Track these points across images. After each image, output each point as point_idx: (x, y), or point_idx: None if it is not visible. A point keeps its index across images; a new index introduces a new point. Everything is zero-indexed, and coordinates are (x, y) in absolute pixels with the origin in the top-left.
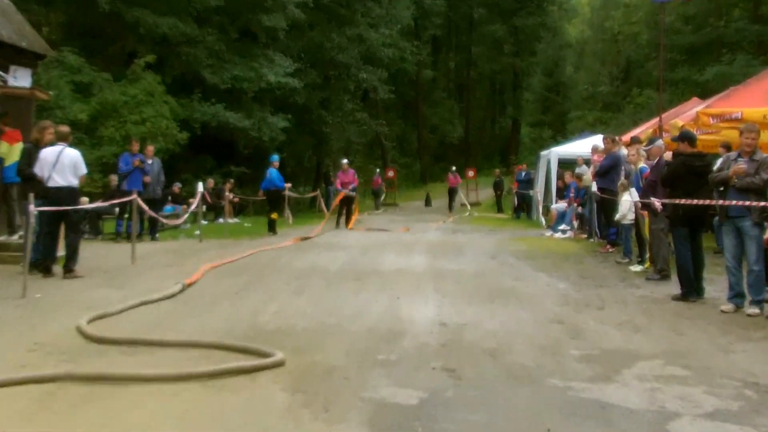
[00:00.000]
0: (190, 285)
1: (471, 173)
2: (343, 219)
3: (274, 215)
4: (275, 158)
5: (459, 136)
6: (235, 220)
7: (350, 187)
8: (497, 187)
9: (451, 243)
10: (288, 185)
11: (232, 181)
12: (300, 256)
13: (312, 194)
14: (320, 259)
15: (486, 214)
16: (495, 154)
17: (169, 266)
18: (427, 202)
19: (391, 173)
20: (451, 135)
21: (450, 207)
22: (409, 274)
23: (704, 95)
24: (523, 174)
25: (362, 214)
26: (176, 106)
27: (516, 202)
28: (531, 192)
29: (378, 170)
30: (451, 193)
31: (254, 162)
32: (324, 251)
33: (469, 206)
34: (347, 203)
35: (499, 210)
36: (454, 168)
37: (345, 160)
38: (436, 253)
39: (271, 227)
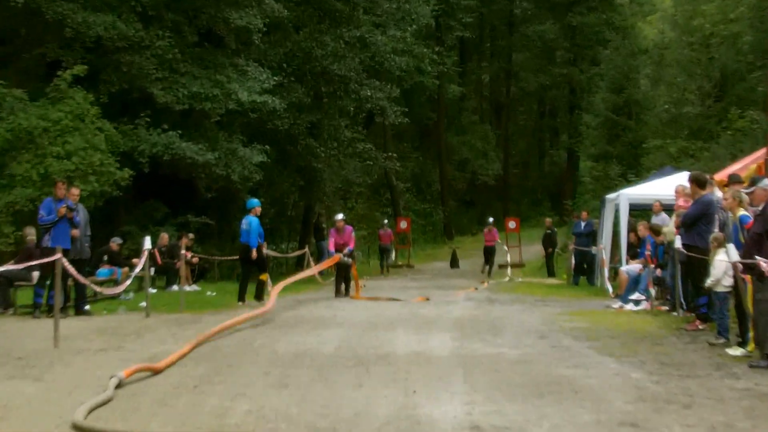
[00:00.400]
0: (131, 376)
1: (512, 225)
2: (343, 286)
3: (263, 276)
4: (255, 203)
5: (496, 173)
6: (195, 287)
7: (346, 250)
8: (548, 242)
9: (486, 318)
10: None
11: (190, 235)
12: (283, 335)
13: (298, 252)
14: (310, 339)
15: (533, 279)
16: (545, 199)
17: (103, 351)
18: (453, 263)
19: (404, 224)
20: (486, 172)
21: (487, 270)
22: (428, 359)
23: None
24: (583, 225)
25: (363, 278)
26: (114, 134)
27: (573, 263)
28: (593, 249)
29: (386, 221)
30: (488, 252)
31: (220, 209)
32: (315, 328)
33: (510, 269)
34: (344, 271)
35: (551, 273)
36: (491, 220)
37: (340, 216)
38: (466, 331)
39: (259, 293)
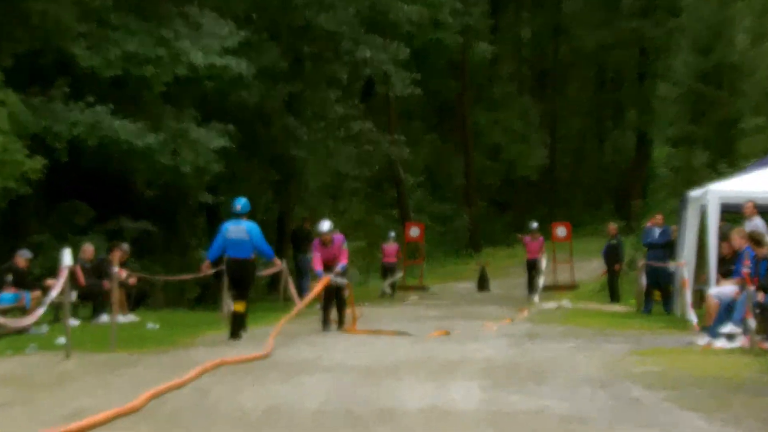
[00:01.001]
0: None
1: (562, 232)
2: (334, 314)
3: (239, 306)
4: (242, 203)
5: (540, 164)
6: (131, 317)
7: (337, 268)
8: (611, 256)
9: (526, 360)
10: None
11: (125, 247)
12: (250, 384)
13: (271, 270)
14: (286, 389)
15: (589, 306)
16: (605, 198)
17: (6, 406)
18: (482, 284)
19: (415, 232)
20: (526, 163)
21: (532, 291)
22: (448, 417)
23: None
24: (658, 233)
25: (361, 305)
26: (21, 109)
27: (645, 284)
28: (671, 266)
29: (392, 234)
30: (532, 268)
31: (165, 212)
32: (294, 375)
33: (560, 293)
34: (335, 295)
35: (614, 298)
36: (534, 225)
37: (326, 226)
38: (499, 378)
39: (237, 327)
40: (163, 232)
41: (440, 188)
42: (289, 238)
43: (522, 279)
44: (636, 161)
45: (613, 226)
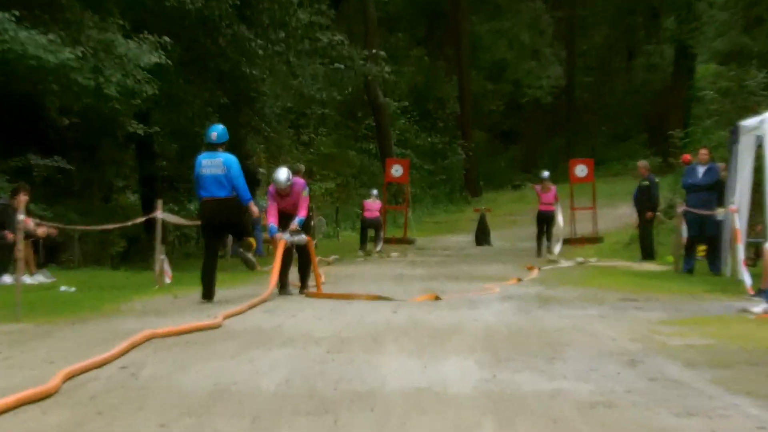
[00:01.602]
0: None
1: (582, 171)
2: (291, 277)
3: (247, 244)
4: (218, 130)
5: (554, 86)
6: (40, 277)
7: (293, 223)
8: (642, 201)
9: (536, 330)
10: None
11: (26, 187)
12: (193, 360)
13: None
14: (238, 366)
15: (616, 263)
16: (636, 128)
17: None
18: (481, 237)
19: (397, 171)
20: (537, 84)
21: (542, 247)
22: (438, 401)
23: None
24: (701, 172)
25: (328, 260)
26: None
27: (686, 236)
28: (719, 213)
29: (374, 191)
30: (543, 221)
31: (85, 147)
32: (247, 348)
33: (579, 247)
34: (298, 251)
35: (647, 254)
36: (545, 174)
37: (282, 175)
38: (501, 352)
39: (249, 258)
40: (81, 171)
41: (429, 116)
42: None
43: (531, 229)
44: (674, 82)
45: (643, 164)
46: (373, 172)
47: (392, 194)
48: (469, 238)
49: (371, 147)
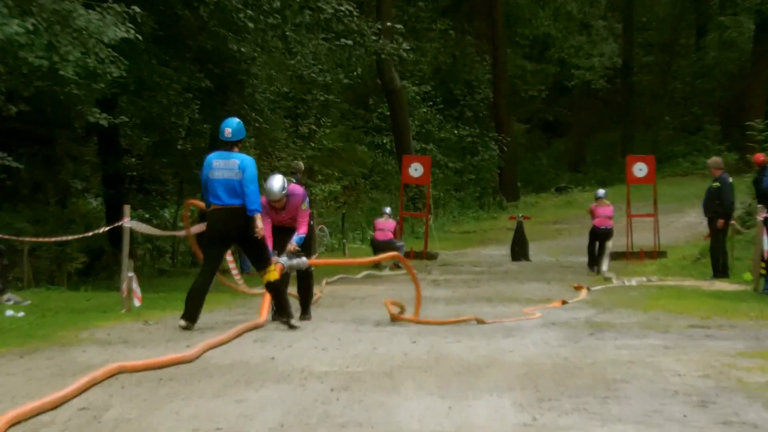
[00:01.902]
0: None
1: (641, 171)
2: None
3: (271, 274)
4: (233, 126)
5: (605, 66)
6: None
7: (291, 243)
8: (714, 206)
9: (586, 364)
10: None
11: None
12: (168, 400)
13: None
14: (221, 410)
15: (682, 282)
16: (707, 118)
17: None
18: (518, 250)
19: (416, 170)
20: (587, 65)
21: (596, 262)
22: None
23: None
24: None
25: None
26: None
27: (767, 249)
28: None
29: (387, 210)
30: (599, 236)
31: (37, 138)
32: (234, 387)
33: (637, 263)
34: (298, 274)
35: (719, 270)
36: (601, 192)
37: (276, 184)
38: (546, 392)
39: (281, 305)
40: (32, 170)
41: (456, 104)
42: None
43: (579, 240)
44: (754, 62)
45: (717, 161)
46: (387, 171)
47: (410, 198)
48: (503, 251)
49: (385, 141)
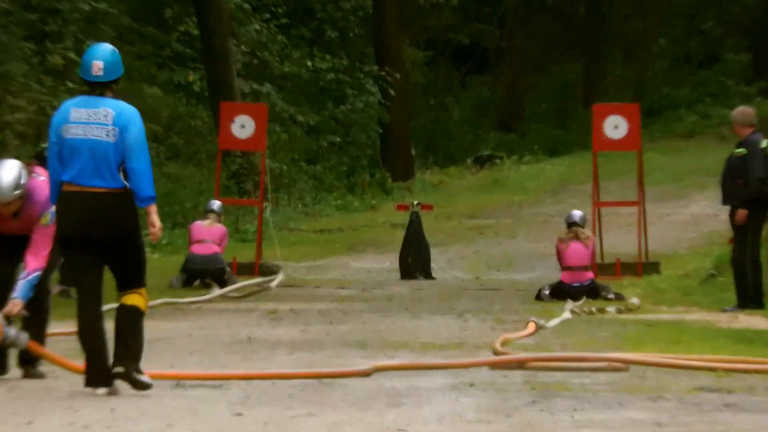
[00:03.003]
0: None
1: (615, 127)
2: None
3: (132, 298)
4: (105, 57)
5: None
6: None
7: (15, 303)
8: (738, 186)
9: None
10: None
11: None
12: None
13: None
14: None
15: (685, 315)
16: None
17: None
18: (413, 262)
19: (244, 126)
20: None
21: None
22: None
23: None
24: None
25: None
26: None
27: None
28: None
29: (216, 205)
30: (569, 296)
31: None
32: None
33: (615, 280)
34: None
35: (746, 294)
36: (576, 216)
37: (6, 173)
38: None
39: (128, 342)
40: None
41: (311, 17)
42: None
43: (513, 244)
44: None
45: (745, 114)
46: (195, 129)
47: (233, 175)
48: (387, 262)
49: (192, 79)
